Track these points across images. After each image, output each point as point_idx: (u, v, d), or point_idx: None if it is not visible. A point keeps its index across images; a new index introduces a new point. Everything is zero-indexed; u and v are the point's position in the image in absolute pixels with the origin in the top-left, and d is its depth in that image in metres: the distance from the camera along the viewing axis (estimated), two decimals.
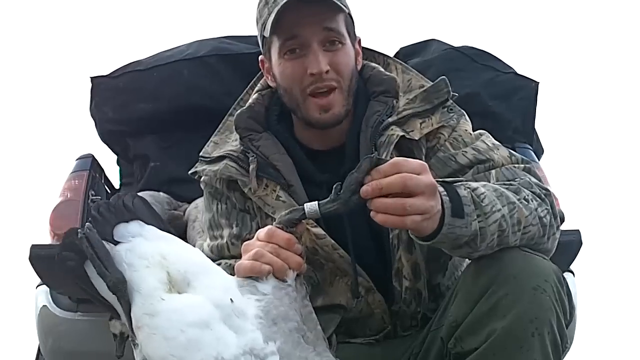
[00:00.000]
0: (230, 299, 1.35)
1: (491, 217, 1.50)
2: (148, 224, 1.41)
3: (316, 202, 1.45)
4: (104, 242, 1.36)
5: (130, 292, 1.33)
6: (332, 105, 1.77)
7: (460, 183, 1.53)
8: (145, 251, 1.36)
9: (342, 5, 1.74)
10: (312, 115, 1.78)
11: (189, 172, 1.92)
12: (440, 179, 1.52)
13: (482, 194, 1.52)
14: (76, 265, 1.39)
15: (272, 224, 1.52)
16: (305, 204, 1.46)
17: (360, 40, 1.89)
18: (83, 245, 1.33)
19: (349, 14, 1.81)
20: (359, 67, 1.87)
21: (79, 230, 1.34)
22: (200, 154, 1.90)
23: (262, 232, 1.49)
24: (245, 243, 1.52)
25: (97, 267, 1.32)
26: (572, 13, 5.95)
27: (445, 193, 1.47)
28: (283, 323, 1.36)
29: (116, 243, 1.37)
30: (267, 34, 1.76)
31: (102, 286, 1.36)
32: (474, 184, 1.54)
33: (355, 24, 1.85)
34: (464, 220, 1.47)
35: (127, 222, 1.40)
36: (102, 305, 1.43)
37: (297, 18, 1.72)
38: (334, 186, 1.43)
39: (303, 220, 1.48)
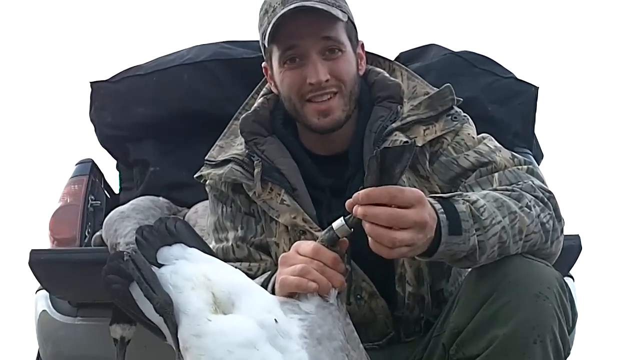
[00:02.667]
0: (275, 319, 1.35)
1: (490, 230, 1.50)
2: (190, 246, 1.43)
3: (342, 218, 1.43)
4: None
5: (176, 314, 1.34)
6: (331, 110, 1.77)
7: (459, 196, 1.52)
8: (190, 273, 1.37)
9: (340, 14, 1.74)
10: (311, 120, 1.79)
11: (195, 175, 1.93)
12: (438, 195, 1.53)
13: (482, 206, 1.51)
14: (121, 288, 1.40)
15: (285, 229, 1.50)
16: (334, 223, 1.44)
17: (363, 44, 1.89)
18: (129, 268, 1.35)
19: (350, 20, 1.81)
20: (362, 72, 1.88)
21: (124, 252, 1.37)
22: (206, 157, 1.91)
23: (304, 247, 1.47)
24: (283, 255, 1.51)
25: (144, 289, 1.34)
26: (572, 18, 5.96)
27: (442, 210, 1.47)
28: (328, 342, 1.36)
29: (160, 266, 1.39)
30: (267, 43, 1.78)
31: (148, 308, 1.37)
32: (473, 196, 1.53)
33: (357, 29, 1.86)
34: (462, 236, 1.47)
35: (170, 245, 1.41)
36: (148, 327, 1.44)
37: (296, 28, 1.73)
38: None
39: (345, 237, 1.46)
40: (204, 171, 1.90)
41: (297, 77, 1.77)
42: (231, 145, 1.92)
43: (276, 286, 1.49)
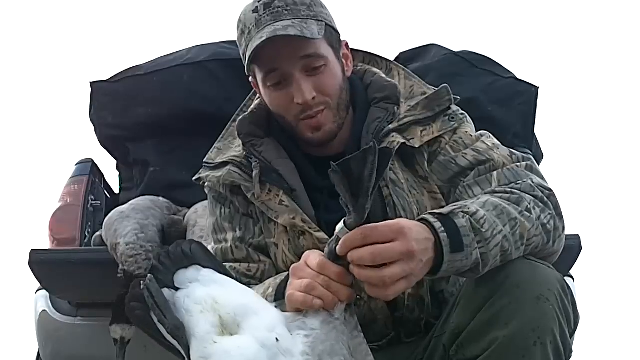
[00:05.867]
0: (276, 338, 1.37)
1: (492, 241, 1.49)
2: (205, 267, 1.46)
3: (343, 221, 1.41)
4: (167, 289, 1.42)
5: (188, 337, 1.38)
6: (322, 124, 1.78)
7: (459, 209, 1.50)
8: (200, 296, 1.41)
9: (316, 29, 1.73)
10: (305, 135, 1.80)
11: (193, 178, 1.93)
12: (437, 211, 1.51)
13: (482, 217, 1.49)
14: (143, 314, 1.44)
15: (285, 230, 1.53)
16: (337, 227, 1.43)
17: (347, 43, 1.88)
18: (145, 295, 1.39)
19: (329, 25, 1.79)
20: (349, 73, 1.87)
21: (141, 281, 1.41)
22: (204, 160, 1.91)
23: (312, 260, 1.45)
24: (293, 267, 1.49)
25: (157, 315, 1.38)
26: (572, 18, 5.96)
27: (442, 229, 1.45)
28: (329, 358, 1.37)
29: (177, 289, 1.43)
30: (247, 64, 1.78)
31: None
32: (472, 207, 1.51)
33: (338, 31, 1.84)
34: (464, 252, 1.45)
35: (186, 267, 1.45)
36: (170, 350, 1.47)
37: (274, 51, 1.73)
38: (341, 202, 1.39)
39: None
40: (202, 174, 1.90)
41: (284, 98, 1.77)
42: (229, 147, 1.92)
43: (286, 298, 1.48)
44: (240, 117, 1.91)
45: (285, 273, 1.68)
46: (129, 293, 1.48)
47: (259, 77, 1.80)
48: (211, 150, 1.93)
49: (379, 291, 1.40)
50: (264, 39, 1.70)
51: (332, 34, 1.81)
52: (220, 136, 1.96)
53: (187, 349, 1.38)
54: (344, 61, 1.85)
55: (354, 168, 1.34)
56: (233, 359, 1.33)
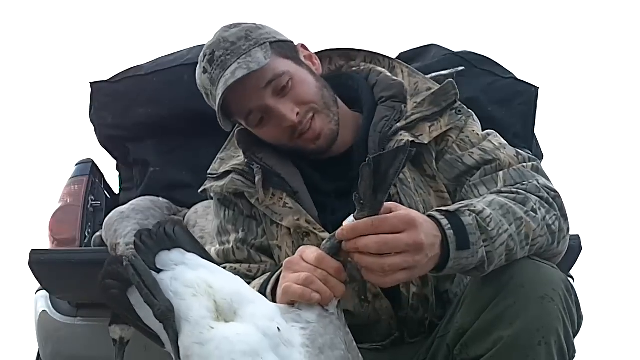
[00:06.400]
0: (278, 328, 1.33)
1: (498, 240, 1.49)
2: (189, 251, 1.40)
3: (352, 216, 1.41)
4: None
5: (177, 321, 1.32)
6: (319, 131, 1.79)
7: (465, 208, 1.50)
8: (191, 279, 1.35)
9: (262, 57, 1.74)
10: (309, 148, 1.81)
11: (199, 190, 1.95)
12: (444, 208, 1.51)
13: (488, 216, 1.50)
14: (119, 294, 1.39)
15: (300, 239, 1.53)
16: (345, 222, 1.43)
17: (302, 45, 1.89)
18: (129, 273, 1.32)
19: (274, 41, 1.80)
20: (319, 71, 1.88)
21: (123, 258, 1.34)
22: (208, 171, 1.93)
23: (308, 254, 1.44)
24: (287, 260, 1.49)
25: (145, 295, 1.31)
26: (572, 18, 5.96)
27: (449, 226, 1.45)
28: (330, 351, 1.35)
29: (159, 271, 1.36)
30: (224, 123, 1.81)
31: (147, 314, 1.35)
32: (479, 206, 1.51)
33: (287, 40, 1.84)
34: (470, 250, 1.46)
35: (168, 250, 1.39)
36: (145, 333, 1.42)
37: (237, 97, 1.76)
38: (355, 198, 1.39)
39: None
40: (207, 185, 1.91)
41: (274, 130, 1.80)
42: (232, 157, 1.93)
43: (279, 290, 1.47)
44: (239, 127, 1.92)
45: (269, 273, 1.70)
46: (104, 270, 1.39)
47: (243, 124, 1.84)
48: (214, 161, 1.95)
49: (376, 278, 1.40)
50: (220, 95, 1.73)
51: (281, 47, 1.81)
52: (223, 147, 1.98)
53: (175, 334, 1.31)
54: (308, 63, 1.86)
55: (384, 164, 1.34)
56: (233, 346, 1.28)
